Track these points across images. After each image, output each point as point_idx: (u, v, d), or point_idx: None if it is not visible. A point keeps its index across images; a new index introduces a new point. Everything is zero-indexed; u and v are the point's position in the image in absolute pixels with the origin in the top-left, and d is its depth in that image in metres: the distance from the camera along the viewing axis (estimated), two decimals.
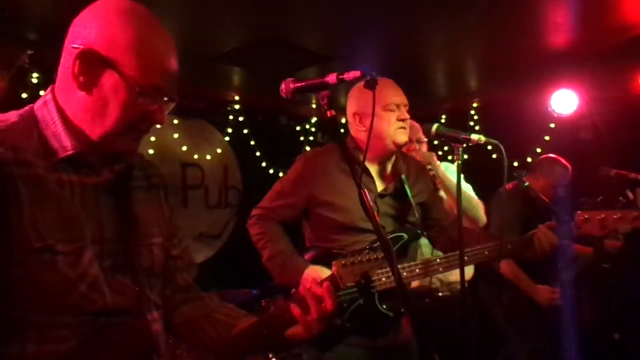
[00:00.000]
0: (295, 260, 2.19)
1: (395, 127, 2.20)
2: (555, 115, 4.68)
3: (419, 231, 2.26)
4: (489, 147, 2.11)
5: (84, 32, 1.16)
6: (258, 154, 5.68)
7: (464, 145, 2.00)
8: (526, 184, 3.27)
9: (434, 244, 2.48)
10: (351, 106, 2.31)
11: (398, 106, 2.22)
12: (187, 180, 5.34)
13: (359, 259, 1.39)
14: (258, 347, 1.40)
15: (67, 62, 1.16)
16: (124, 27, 1.14)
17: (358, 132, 2.30)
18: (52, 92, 1.21)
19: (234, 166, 5.72)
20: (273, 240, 2.24)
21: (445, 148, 4.93)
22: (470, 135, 2.00)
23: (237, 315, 1.44)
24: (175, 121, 5.15)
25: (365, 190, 1.43)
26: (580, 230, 2.14)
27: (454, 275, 3.03)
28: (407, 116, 2.24)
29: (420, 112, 5.85)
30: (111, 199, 1.22)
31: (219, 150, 5.54)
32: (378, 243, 2.05)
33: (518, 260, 3.25)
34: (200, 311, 1.44)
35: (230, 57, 4.43)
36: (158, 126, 4.64)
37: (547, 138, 5.02)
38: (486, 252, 2.14)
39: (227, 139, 5.56)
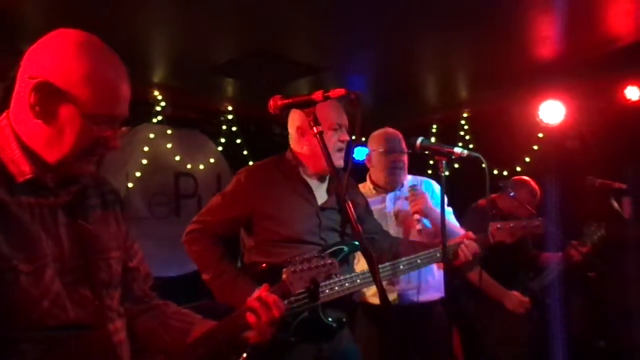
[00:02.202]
0: (242, 281, 2.15)
1: (335, 148, 2.24)
2: (543, 125, 4.75)
3: (356, 243, 2.25)
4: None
5: (39, 63, 1.21)
6: (251, 163, 5.71)
7: (448, 158, 2.05)
8: (512, 194, 3.33)
9: None
10: (294, 120, 2.34)
11: (340, 126, 2.27)
12: (180, 189, 5.37)
13: (308, 265, 1.46)
14: (213, 351, 1.46)
15: (22, 92, 1.21)
16: (78, 60, 1.20)
17: (298, 147, 2.34)
18: (8, 117, 1.26)
19: (227, 176, 5.74)
20: (215, 259, 2.20)
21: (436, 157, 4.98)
22: (453, 149, 2.06)
23: (192, 321, 1.52)
24: (169, 131, 5.18)
25: (350, 203, 1.48)
26: (494, 238, 2.46)
27: (426, 294, 3.09)
28: (347, 137, 2.28)
29: (412, 122, 5.98)
30: (69, 218, 1.28)
31: (212, 160, 5.57)
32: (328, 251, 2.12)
33: (487, 269, 3.29)
34: (157, 319, 1.51)
35: (224, 69, 4.47)
36: (152, 136, 4.65)
37: (535, 147, 5.10)
38: (419, 261, 2.30)
39: (220, 148, 5.58)
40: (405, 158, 3.11)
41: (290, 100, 1.59)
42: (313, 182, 2.34)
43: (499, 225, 2.48)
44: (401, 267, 2.28)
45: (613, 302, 4.14)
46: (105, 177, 1.49)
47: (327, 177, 2.37)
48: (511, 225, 2.49)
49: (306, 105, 1.55)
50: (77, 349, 1.21)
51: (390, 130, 3.17)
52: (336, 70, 4.60)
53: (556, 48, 4.17)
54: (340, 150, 2.26)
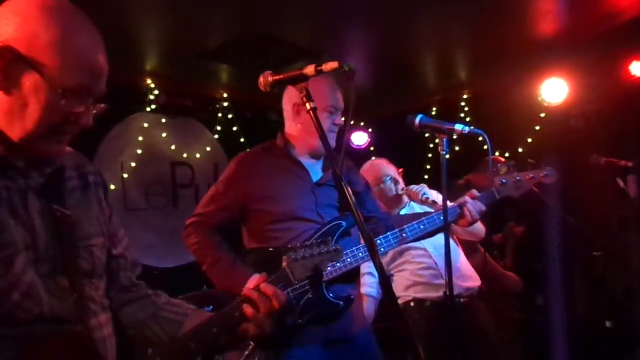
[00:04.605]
0: (239, 267, 2.15)
1: (328, 131, 2.18)
2: (545, 104, 4.67)
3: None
4: (480, 139, 2.09)
5: (1, 27, 1.09)
6: (248, 151, 5.65)
7: (449, 135, 1.98)
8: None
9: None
10: (290, 97, 2.28)
11: (336, 109, 2.25)
12: (177, 179, 5.30)
13: (310, 252, 1.38)
14: (206, 344, 1.37)
15: None
16: (46, 25, 1.08)
17: (292, 126, 2.31)
18: None
19: (224, 164, 5.65)
20: (212, 247, 2.20)
21: (437, 141, 4.91)
22: (454, 126, 1.98)
23: (185, 312, 1.43)
24: (164, 120, 5.12)
25: (344, 183, 1.41)
26: (500, 193, 2.31)
27: (468, 281, 3.03)
28: (342, 122, 2.27)
29: (411, 105, 5.90)
30: (43, 203, 1.16)
31: (208, 149, 5.50)
32: (320, 237, 2.05)
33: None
34: (147, 310, 1.41)
35: (218, 54, 4.40)
36: (145, 125, 4.53)
37: (537, 127, 5.02)
38: (422, 227, 2.24)
39: (216, 136, 5.52)
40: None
41: (281, 76, 1.54)
42: (306, 161, 2.31)
43: (503, 180, 2.30)
44: (405, 234, 2.24)
45: (618, 281, 4.09)
46: (85, 158, 1.37)
47: (323, 157, 2.34)
48: (517, 178, 2.30)
49: (298, 81, 1.49)
50: (54, 346, 1.11)
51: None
52: (333, 53, 4.51)
53: (558, 23, 4.10)
54: (332, 132, 2.24)
